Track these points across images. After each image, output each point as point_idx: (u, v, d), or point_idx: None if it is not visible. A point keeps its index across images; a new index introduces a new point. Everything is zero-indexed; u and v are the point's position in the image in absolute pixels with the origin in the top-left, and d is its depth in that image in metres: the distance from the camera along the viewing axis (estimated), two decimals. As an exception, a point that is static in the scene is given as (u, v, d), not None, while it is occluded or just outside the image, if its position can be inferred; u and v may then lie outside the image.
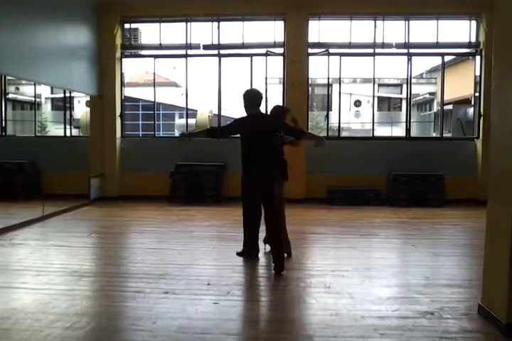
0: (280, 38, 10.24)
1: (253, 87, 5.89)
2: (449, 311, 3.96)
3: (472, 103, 11.05)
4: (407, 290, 4.58)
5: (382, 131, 16.07)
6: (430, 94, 21.39)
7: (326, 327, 3.67)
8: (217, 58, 10.46)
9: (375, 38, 10.16)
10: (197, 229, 7.14)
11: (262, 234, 5.89)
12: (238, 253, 5.79)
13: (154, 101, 11.18)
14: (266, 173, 5.42)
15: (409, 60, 10.29)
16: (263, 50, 10.31)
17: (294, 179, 9.89)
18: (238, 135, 5.57)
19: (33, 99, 11.67)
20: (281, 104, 9.31)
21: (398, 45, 10.22)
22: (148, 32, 10.99)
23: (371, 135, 10.73)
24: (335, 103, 12.30)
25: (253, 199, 5.55)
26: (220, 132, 5.96)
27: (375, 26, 10.15)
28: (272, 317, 3.93)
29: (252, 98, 5.55)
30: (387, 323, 3.73)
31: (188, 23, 10.40)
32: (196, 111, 15.39)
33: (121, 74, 10.66)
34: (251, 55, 10.34)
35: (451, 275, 5.14)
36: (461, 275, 5.16)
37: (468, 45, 10.22)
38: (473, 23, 10.15)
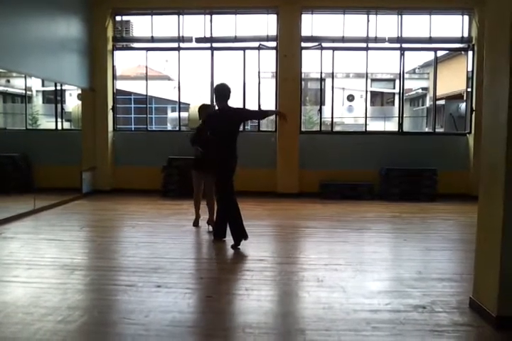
0: (273, 31, 10.21)
1: (224, 81, 6.26)
2: (441, 305, 3.99)
3: (464, 98, 11.09)
4: (399, 284, 4.60)
5: (375, 126, 16.03)
6: (423, 89, 21.39)
7: (319, 320, 3.68)
8: (209, 51, 10.42)
9: (367, 33, 10.16)
10: (189, 223, 7.12)
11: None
12: (232, 246, 5.83)
13: (146, 95, 11.11)
14: (232, 160, 5.94)
15: (402, 54, 10.29)
16: (256, 44, 10.28)
17: (287, 173, 10.02)
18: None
19: (24, 91, 11.56)
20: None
21: (391, 40, 10.22)
22: (140, 24, 10.93)
23: (364, 129, 10.74)
24: (328, 97, 12.30)
25: (230, 186, 5.97)
26: (195, 139, 6.50)
27: (368, 20, 10.14)
28: (264, 310, 3.93)
29: (221, 92, 5.99)
30: (379, 317, 3.74)
31: (181, 16, 10.34)
32: (189, 104, 15.31)
33: (113, 67, 10.59)
34: (243, 49, 10.31)
35: (442, 269, 5.17)
36: (452, 270, 5.20)
37: (461, 40, 10.23)
38: (466, 18, 10.17)
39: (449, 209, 8.87)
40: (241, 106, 7.49)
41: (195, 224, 7.07)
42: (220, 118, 5.96)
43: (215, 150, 5.96)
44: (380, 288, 4.51)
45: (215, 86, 6.16)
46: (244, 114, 6.38)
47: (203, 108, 6.98)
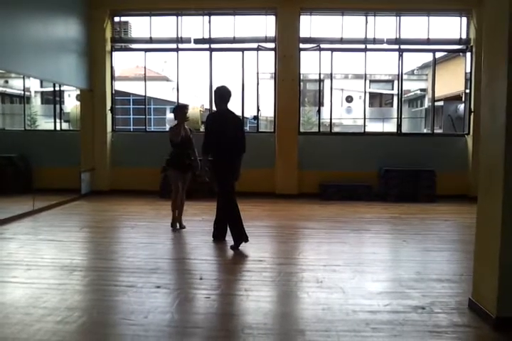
0: (271, 32, 10.22)
1: (223, 83, 6.24)
2: (440, 306, 3.99)
3: (463, 99, 11.10)
4: (398, 284, 4.60)
5: (373, 127, 16.04)
6: (421, 90, 21.42)
7: (318, 321, 3.68)
8: (208, 52, 10.42)
9: (366, 34, 10.17)
10: (188, 223, 7.12)
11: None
12: (232, 247, 5.84)
13: (145, 96, 11.11)
14: (232, 161, 5.94)
15: (401, 56, 10.31)
16: (254, 45, 10.29)
17: (286, 174, 10.02)
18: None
19: (23, 92, 11.55)
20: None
21: (389, 41, 10.23)
22: (139, 25, 10.95)
23: (363, 131, 10.74)
24: (326, 98, 12.32)
25: (231, 187, 6.06)
26: (209, 144, 5.90)
27: (367, 22, 10.16)
28: (263, 311, 3.93)
29: (221, 95, 6.00)
30: (378, 317, 3.75)
31: (179, 17, 10.35)
32: (187, 105, 15.30)
33: (112, 67, 10.61)
34: (242, 50, 10.32)
35: (441, 270, 5.18)
36: (451, 270, 5.20)
37: (459, 41, 10.25)
38: (464, 19, 10.20)
39: (447, 210, 8.87)
40: (239, 113, 7.35)
41: (174, 225, 7.01)
42: (223, 120, 5.94)
43: (218, 150, 5.89)
44: (379, 289, 4.52)
45: (215, 88, 6.13)
46: (240, 130, 6.03)
47: (181, 108, 6.97)
